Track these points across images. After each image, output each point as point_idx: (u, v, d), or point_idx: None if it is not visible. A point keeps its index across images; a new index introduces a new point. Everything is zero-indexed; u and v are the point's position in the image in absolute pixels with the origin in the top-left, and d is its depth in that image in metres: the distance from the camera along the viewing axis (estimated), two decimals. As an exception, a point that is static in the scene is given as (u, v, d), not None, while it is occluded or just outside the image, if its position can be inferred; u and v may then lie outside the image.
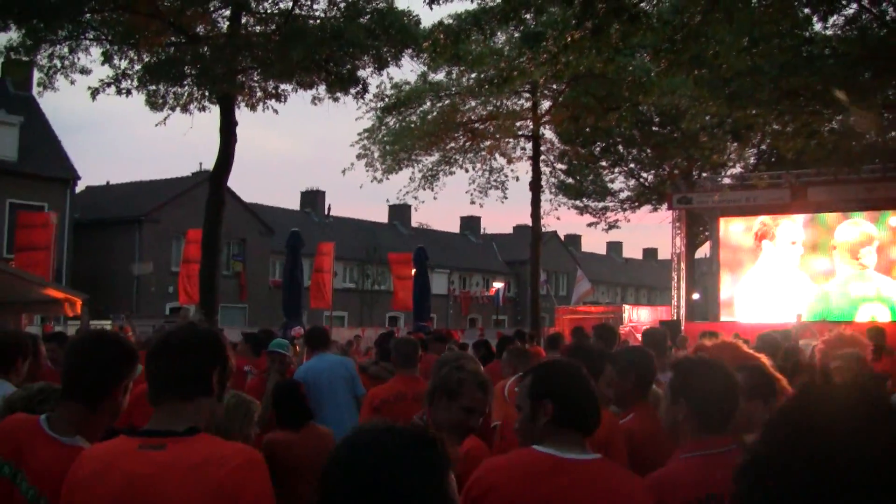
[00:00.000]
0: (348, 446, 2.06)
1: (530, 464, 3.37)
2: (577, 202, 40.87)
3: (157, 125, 24.53)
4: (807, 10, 16.73)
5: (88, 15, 22.20)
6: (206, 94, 23.69)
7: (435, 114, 31.61)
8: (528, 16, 19.73)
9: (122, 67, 22.79)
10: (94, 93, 22.11)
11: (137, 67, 22.93)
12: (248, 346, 11.70)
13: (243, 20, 23.73)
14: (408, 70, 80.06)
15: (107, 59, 22.59)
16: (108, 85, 22.26)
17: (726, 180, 32.51)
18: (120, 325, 22.78)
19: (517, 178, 37.23)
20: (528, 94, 32.24)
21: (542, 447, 3.46)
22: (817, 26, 19.07)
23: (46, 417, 3.60)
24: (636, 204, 40.86)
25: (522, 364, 7.25)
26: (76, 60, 23.10)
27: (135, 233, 46.55)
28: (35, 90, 24.13)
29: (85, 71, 23.27)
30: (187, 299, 28.45)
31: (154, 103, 23.68)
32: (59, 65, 23.01)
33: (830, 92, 17.04)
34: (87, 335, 3.92)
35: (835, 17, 17.14)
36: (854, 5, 16.95)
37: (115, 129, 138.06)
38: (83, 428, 3.56)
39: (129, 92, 22.55)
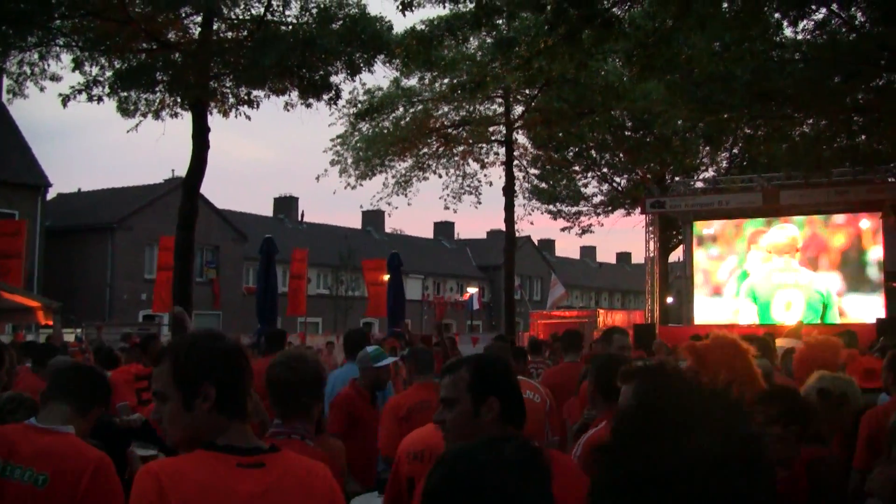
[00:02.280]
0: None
1: None
2: (551, 207, 40.92)
3: (128, 132, 24.42)
4: (777, 15, 16.82)
5: (58, 21, 22.02)
6: (179, 100, 23.59)
7: (408, 119, 31.65)
8: (500, 21, 19.77)
9: (94, 74, 22.62)
10: (65, 100, 21.93)
11: (109, 74, 22.77)
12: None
13: (215, 26, 23.63)
14: (380, 76, 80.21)
15: (77, 65, 22.43)
16: (79, 92, 22.08)
17: (699, 184, 32.67)
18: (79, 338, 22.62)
19: (490, 183, 37.27)
20: (500, 100, 32.33)
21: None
22: (788, 31, 19.20)
23: (35, 418, 3.91)
24: (609, 208, 40.97)
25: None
26: (46, 67, 22.97)
27: (107, 240, 46.29)
28: (5, 97, 23.98)
29: (55, 78, 23.14)
30: (162, 307, 28.31)
31: (126, 110, 23.56)
32: (28, 72, 22.87)
33: (802, 96, 17.16)
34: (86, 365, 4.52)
35: (805, 21, 17.24)
36: (824, 10, 17.06)
37: (86, 136, 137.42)
38: (70, 421, 3.90)
39: (100, 99, 22.38)
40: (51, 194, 45.10)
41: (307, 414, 4.18)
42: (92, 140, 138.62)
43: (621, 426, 1.53)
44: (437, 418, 3.61)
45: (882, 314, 25.31)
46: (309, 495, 2.83)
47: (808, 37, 18.37)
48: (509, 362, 3.82)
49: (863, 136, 23.44)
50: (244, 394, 2.92)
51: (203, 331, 3.25)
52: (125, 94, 23.16)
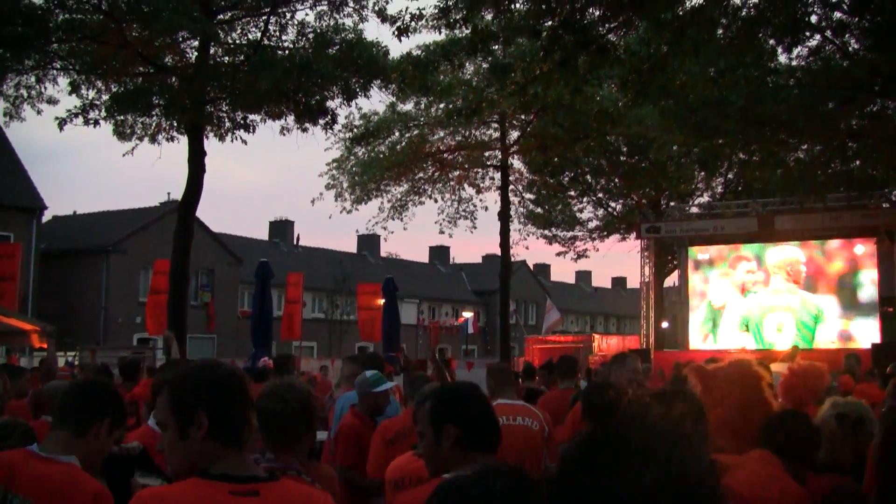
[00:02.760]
0: (450, 500, 2.04)
1: None
2: (546, 232, 40.96)
3: (124, 155, 24.35)
4: (772, 42, 16.89)
5: (56, 45, 22.09)
6: (175, 124, 23.62)
7: (404, 144, 31.70)
8: (496, 47, 19.83)
9: (90, 97, 22.66)
10: (62, 123, 21.94)
11: (105, 97, 22.81)
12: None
13: (212, 50, 23.69)
14: (376, 100, 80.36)
15: (74, 88, 22.46)
16: (76, 115, 22.10)
17: (694, 209, 32.73)
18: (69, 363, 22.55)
19: (486, 208, 37.30)
20: (496, 125, 32.40)
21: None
22: (782, 57, 19.28)
23: (38, 445, 3.82)
24: (605, 233, 41.01)
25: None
26: (43, 90, 22.99)
27: (102, 263, 46.24)
28: (1, 120, 23.95)
29: (52, 101, 23.16)
30: (158, 329, 28.26)
31: (122, 133, 23.58)
32: (25, 94, 22.89)
33: (796, 121, 17.22)
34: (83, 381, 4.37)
35: (799, 48, 17.32)
36: (817, 37, 17.15)
37: (82, 159, 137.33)
38: (73, 450, 3.76)
39: (96, 122, 22.39)
40: (46, 217, 45.05)
41: (298, 446, 4.15)
42: (88, 162, 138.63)
43: (566, 459, 1.55)
44: (416, 451, 3.66)
45: (877, 339, 25.32)
46: None
47: (803, 63, 18.46)
48: (475, 387, 3.81)
49: (857, 162, 23.53)
50: (239, 422, 2.90)
51: (201, 361, 3.23)
52: (121, 117, 23.19)
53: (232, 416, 2.90)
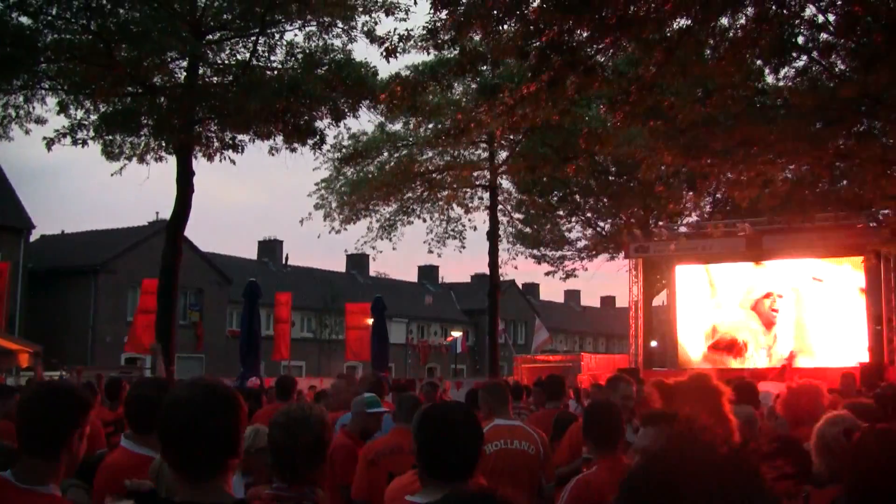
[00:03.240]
0: None
1: None
2: (535, 251, 41.03)
3: (113, 175, 24.31)
4: (759, 62, 16.96)
5: (44, 65, 22.09)
6: (163, 144, 23.61)
7: (392, 164, 31.73)
8: (484, 68, 19.90)
9: (79, 117, 22.66)
10: (50, 143, 21.92)
11: (94, 117, 22.82)
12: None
13: (200, 71, 23.72)
14: (365, 120, 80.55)
15: (62, 108, 22.46)
16: (64, 135, 22.10)
17: (682, 229, 32.78)
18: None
19: (475, 228, 37.41)
20: (485, 145, 32.45)
21: (413, 497, 3.59)
22: (769, 78, 19.35)
23: (12, 472, 3.54)
24: (593, 253, 41.06)
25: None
26: (31, 110, 22.99)
27: (90, 283, 46.12)
28: (-11, 139, 23.93)
29: (41, 120, 23.13)
30: (138, 350, 28.17)
31: (110, 153, 23.56)
32: (13, 114, 22.86)
33: (784, 142, 17.27)
34: (37, 388, 3.90)
35: (786, 69, 17.38)
36: (804, 58, 17.21)
37: (70, 178, 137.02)
38: (49, 478, 3.53)
39: (85, 142, 22.39)
40: (34, 236, 44.98)
41: (304, 479, 4.10)
42: (76, 182, 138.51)
43: (629, 488, 1.54)
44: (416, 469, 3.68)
45: (866, 358, 25.36)
46: None
47: (790, 84, 18.51)
48: (448, 413, 3.78)
49: (844, 182, 23.60)
50: (204, 452, 2.87)
51: (185, 381, 3.19)
52: (110, 137, 23.18)
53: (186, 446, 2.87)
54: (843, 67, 17.18)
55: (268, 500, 3.91)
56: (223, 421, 2.90)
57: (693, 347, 29.77)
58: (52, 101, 22.82)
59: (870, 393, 12.89)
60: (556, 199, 37.66)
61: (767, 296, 28.67)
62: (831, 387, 12.63)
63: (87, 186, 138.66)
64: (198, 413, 2.88)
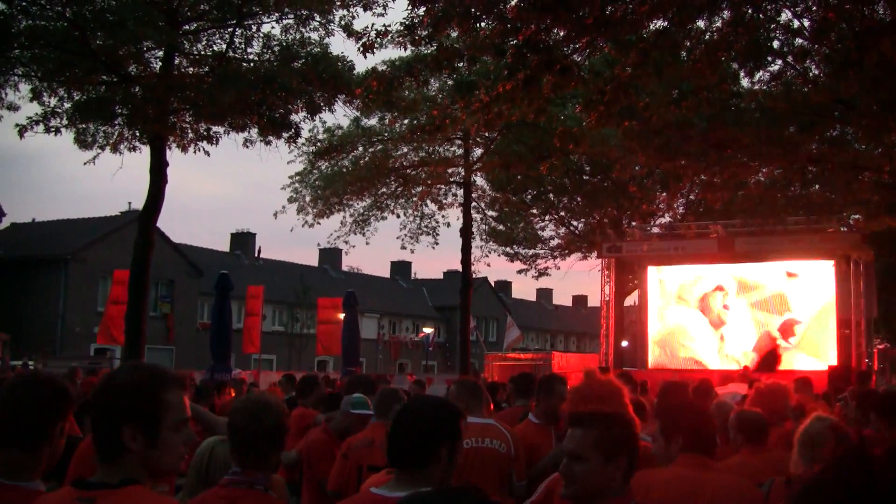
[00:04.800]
0: None
1: None
2: (508, 249, 41.10)
3: (86, 164, 24.16)
4: (734, 66, 17.05)
5: (17, 51, 21.91)
6: (137, 134, 23.49)
7: (367, 159, 31.74)
8: (461, 65, 19.87)
9: (52, 105, 22.48)
10: (22, 131, 21.76)
11: (67, 105, 22.64)
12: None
13: (176, 61, 23.62)
14: (341, 115, 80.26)
15: (36, 96, 22.31)
16: (37, 123, 21.93)
17: (655, 229, 32.92)
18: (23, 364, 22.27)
19: (448, 224, 37.34)
20: (460, 142, 32.49)
21: (376, 489, 3.68)
22: (744, 82, 19.47)
23: None
24: (566, 252, 41.17)
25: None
26: (3, 96, 22.80)
27: (60, 271, 45.81)
28: (-40, 126, 23.73)
29: (13, 107, 22.96)
30: (109, 341, 28.00)
31: (83, 142, 23.40)
32: (-15, 101, 22.69)
33: (757, 145, 17.39)
34: (19, 378, 3.83)
35: (761, 73, 17.49)
36: (779, 62, 17.33)
37: (42, 167, 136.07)
38: (32, 473, 3.43)
39: (57, 130, 22.24)
40: (4, 224, 44.64)
41: (266, 464, 4.11)
42: (48, 170, 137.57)
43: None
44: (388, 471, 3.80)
45: (834, 361, 25.54)
46: None
47: (764, 87, 18.64)
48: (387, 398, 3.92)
49: (816, 186, 23.79)
50: (104, 434, 2.96)
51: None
52: (83, 126, 23.01)
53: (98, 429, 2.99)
54: (816, 73, 17.32)
55: (222, 484, 3.91)
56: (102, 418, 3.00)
57: (663, 348, 29.90)
58: (25, 87, 22.66)
59: (838, 396, 13.01)
60: (529, 197, 37.74)
61: (738, 297, 28.83)
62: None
63: (60, 175, 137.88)
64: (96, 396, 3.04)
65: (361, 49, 13.23)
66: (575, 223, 40.11)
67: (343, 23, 22.61)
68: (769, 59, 16.80)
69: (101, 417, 2.97)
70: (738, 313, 28.75)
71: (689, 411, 4.96)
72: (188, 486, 4.50)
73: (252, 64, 23.50)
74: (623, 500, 3.57)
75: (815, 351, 27.10)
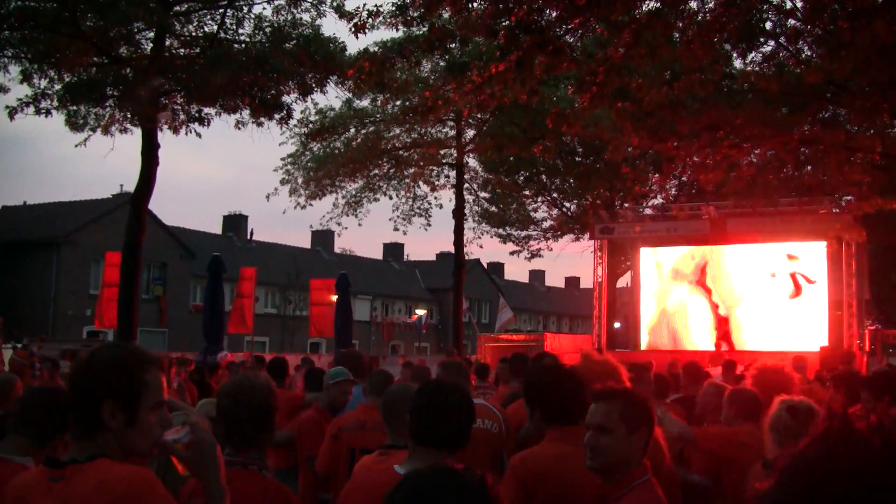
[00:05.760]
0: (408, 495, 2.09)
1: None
2: (500, 230, 41.10)
3: (77, 146, 24.11)
4: (727, 47, 17.03)
5: (7, 32, 21.80)
6: (128, 115, 23.42)
7: (359, 140, 31.66)
8: (453, 46, 19.85)
9: (42, 87, 22.40)
10: (13, 112, 21.70)
11: (58, 87, 22.56)
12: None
13: (167, 42, 23.52)
14: (333, 96, 79.97)
15: (26, 77, 22.20)
16: (27, 105, 21.87)
17: (648, 211, 32.92)
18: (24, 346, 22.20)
19: (441, 206, 37.39)
20: (452, 123, 32.44)
21: (399, 466, 3.76)
22: (737, 62, 19.47)
23: None
24: (559, 233, 41.18)
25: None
26: (-7, 78, 22.72)
27: (52, 255, 45.74)
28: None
29: (3, 89, 22.86)
30: (104, 324, 27.95)
31: (75, 124, 23.33)
32: (-26, 83, 22.60)
33: (750, 126, 17.37)
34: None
35: (753, 54, 17.50)
36: (772, 43, 17.32)
37: (33, 149, 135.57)
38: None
39: (48, 112, 22.17)
40: (-5, 207, 44.53)
41: (257, 444, 4.11)
42: (39, 153, 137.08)
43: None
44: (381, 452, 3.89)
45: (826, 342, 25.60)
46: None
47: (757, 69, 18.63)
48: (442, 382, 3.94)
49: (808, 168, 23.76)
50: (78, 409, 2.99)
51: None
52: (74, 107, 22.95)
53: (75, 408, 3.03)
54: (809, 54, 17.31)
55: None
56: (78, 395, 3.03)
57: (656, 329, 29.97)
58: (15, 69, 22.53)
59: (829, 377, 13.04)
60: (522, 178, 37.73)
61: (731, 278, 28.90)
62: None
63: (51, 157, 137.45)
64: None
65: (353, 30, 13.19)
66: (567, 204, 40.09)
67: (335, 3, 22.54)
68: (762, 39, 16.82)
69: (82, 392, 2.99)
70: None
71: (543, 384, 5.06)
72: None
73: (243, 45, 23.42)
74: (641, 472, 3.73)
75: (803, 333, 27.16)
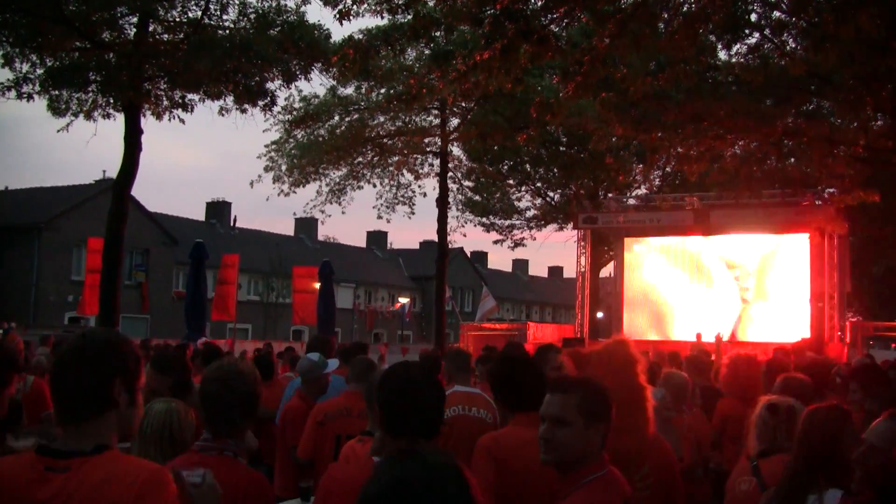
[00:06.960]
0: (384, 482, 2.09)
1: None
2: (484, 219, 41.09)
3: (59, 131, 24.03)
4: (712, 38, 17.03)
5: (-11, 16, 21.69)
6: (111, 101, 23.31)
7: (343, 128, 31.58)
8: (438, 34, 19.80)
9: (24, 71, 22.28)
10: (-6, 97, 21.60)
11: (40, 72, 22.45)
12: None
13: (151, 28, 23.42)
14: (317, 83, 79.92)
15: (7, 61, 22.07)
16: (9, 89, 21.75)
17: (631, 201, 32.97)
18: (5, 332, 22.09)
19: (424, 194, 37.19)
20: (436, 111, 32.38)
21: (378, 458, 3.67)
22: (721, 54, 19.46)
23: None
24: (542, 223, 41.21)
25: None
26: (-26, 62, 22.56)
27: (34, 240, 45.50)
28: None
29: (-15, 73, 22.75)
30: (88, 310, 27.86)
31: (56, 109, 23.22)
32: (-45, 66, 22.45)
33: (734, 118, 17.40)
34: None
35: (738, 45, 17.50)
36: (757, 35, 17.32)
37: (15, 134, 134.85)
38: None
39: (30, 97, 22.05)
40: (-24, 192, 44.31)
41: (239, 433, 4.08)
42: (21, 138, 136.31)
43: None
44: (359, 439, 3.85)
45: (807, 334, 25.68)
46: (97, 501, 2.73)
47: (742, 60, 18.64)
48: (409, 371, 3.88)
49: (792, 160, 23.82)
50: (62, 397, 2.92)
51: None
52: (56, 92, 22.84)
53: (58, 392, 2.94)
54: (793, 46, 17.32)
55: (194, 450, 3.90)
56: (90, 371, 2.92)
57: (638, 319, 30.03)
58: (-4, 53, 22.41)
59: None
60: (506, 167, 37.73)
61: (713, 269, 29.01)
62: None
63: (33, 143, 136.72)
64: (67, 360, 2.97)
65: (338, 16, 13.12)
66: (551, 194, 40.14)
67: (320, -10, 22.46)
68: (746, 31, 16.82)
69: (92, 370, 2.90)
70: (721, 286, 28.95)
71: (503, 374, 5.18)
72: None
73: (227, 31, 23.32)
74: (599, 466, 3.59)
75: (785, 324, 27.24)
